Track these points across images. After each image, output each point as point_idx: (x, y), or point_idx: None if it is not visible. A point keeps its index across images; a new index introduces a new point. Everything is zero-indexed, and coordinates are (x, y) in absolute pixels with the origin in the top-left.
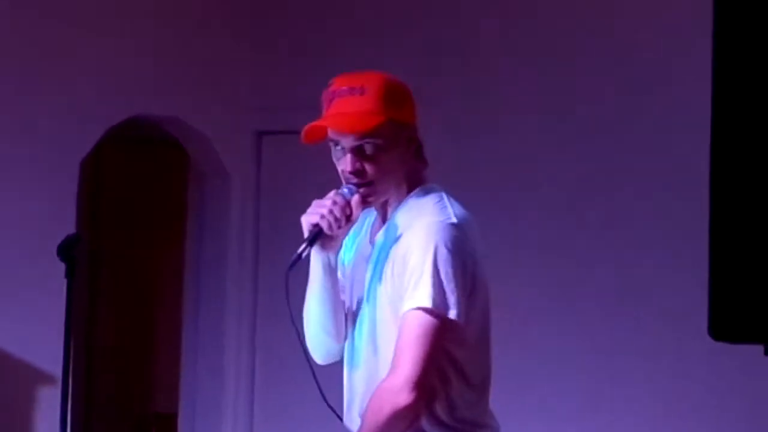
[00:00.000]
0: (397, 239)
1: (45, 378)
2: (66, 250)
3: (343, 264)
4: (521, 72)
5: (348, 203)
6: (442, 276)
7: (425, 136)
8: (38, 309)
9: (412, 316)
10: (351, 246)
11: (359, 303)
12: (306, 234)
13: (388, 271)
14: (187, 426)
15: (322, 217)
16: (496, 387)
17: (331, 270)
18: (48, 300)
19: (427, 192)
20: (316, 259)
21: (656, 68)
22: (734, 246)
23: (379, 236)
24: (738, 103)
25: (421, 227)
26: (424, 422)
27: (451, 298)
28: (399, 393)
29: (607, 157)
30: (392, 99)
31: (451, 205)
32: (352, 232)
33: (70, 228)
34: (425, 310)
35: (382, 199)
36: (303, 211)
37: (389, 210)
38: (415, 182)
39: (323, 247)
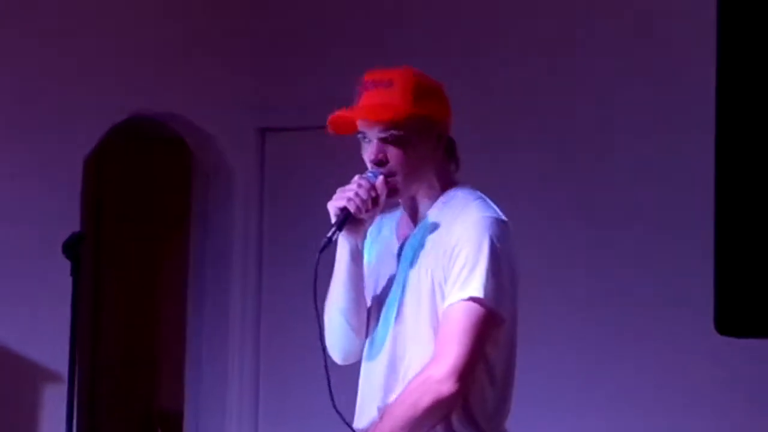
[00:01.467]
0: (439, 233)
1: (50, 376)
2: (71, 248)
3: (364, 262)
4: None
5: (373, 186)
6: (495, 270)
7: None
8: (43, 307)
9: (462, 306)
10: (371, 245)
11: (384, 297)
12: (333, 219)
13: (430, 263)
14: (192, 424)
15: (349, 200)
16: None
17: (358, 256)
18: (53, 298)
19: (465, 191)
20: (344, 244)
21: (659, 73)
22: (740, 241)
23: (415, 232)
24: (742, 102)
25: (471, 221)
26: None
27: (501, 294)
28: (444, 382)
29: (613, 152)
30: (421, 94)
31: (493, 204)
32: (370, 231)
33: (74, 226)
34: (477, 300)
35: (408, 193)
36: (307, 207)
37: (420, 207)
38: (447, 181)
39: (351, 231)
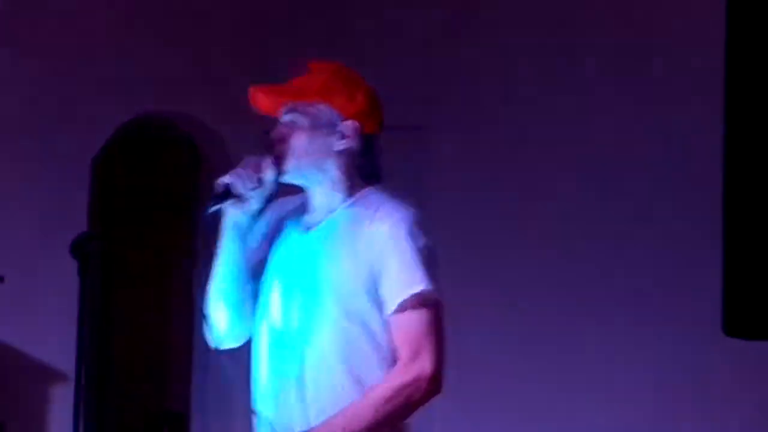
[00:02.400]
0: (356, 230)
1: (58, 376)
2: (78, 248)
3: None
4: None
5: (259, 165)
6: (430, 264)
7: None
8: (51, 307)
9: (418, 303)
10: (264, 231)
11: (289, 284)
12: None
13: (351, 258)
14: (200, 424)
15: (234, 176)
16: (511, 384)
17: (242, 236)
18: (61, 298)
19: (379, 193)
20: (229, 220)
21: (667, 79)
22: (748, 244)
23: (323, 224)
24: (751, 105)
25: (396, 217)
26: None
27: (437, 286)
28: (433, 382)
29: (620, 155)
30: (332, 86)
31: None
32: (264, 219)
33: (82, 226)
34: (429, 295)
35: (300, 179)
36: None
37: (327, 199)
38: (357, 181)
39: (234, 207)
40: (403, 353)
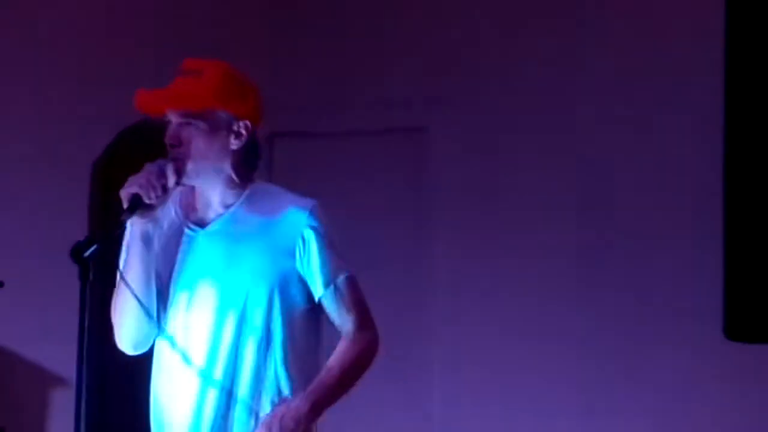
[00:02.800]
0: (262, 222)
1: (59, 381)
2: (78, 253)
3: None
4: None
5: (163, 172)
6: (337, 245)
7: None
8: (51, 311)
9: (346, 281)
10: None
11: (192, 280)
12: (125, 205)
13: (266, 250)
14: None
15: (141, 186)
16: (516, 383)
17: (149, 240)
18: (61, 302)
19: (268, 185)
20: (135, 229)
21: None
22: (749, 247)
23: (221, 220)
24: (751, 108)
25: (304, 208)
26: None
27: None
28: (377, 345)
29: (622, 158)
30: (226, 90)
31: None
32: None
33: (83, 230)
34: (351, 275)
35: (198, 180)
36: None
37: (220, 196)
38: (246, 177)
39: (142, 216)
40: (353, 323)
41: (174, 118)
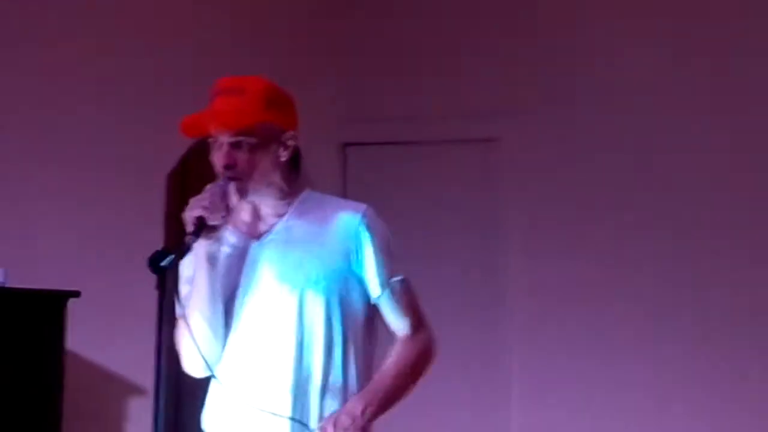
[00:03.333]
0: (318, 227)
1: (137, 390)
2: (156, 263)
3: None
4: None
5: (225, 193)
6: (391, 249)
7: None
8: (130, 322)
9: (401, 284)
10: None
11: (244, 294)
12: (190, 229)
13: (318, 254)
14: None
15: (205, 208)
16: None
17: (215, 261)
18: (138, 312)
19: (317, 193)
20: (200, 251)
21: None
22: None
23: (277, 230)
24: None
25: (357, 212)
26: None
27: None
28: (434, 347)
29: (693, 170)
30: (271, 103)
31: None
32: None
33: (159, 240)
34: (405, 278)
35: (256, 195)
36: (388, 222)
37: (271, 208)
38: (294, 185)
39: (207, 237)
40: (409, 325)
41: (224, 138)
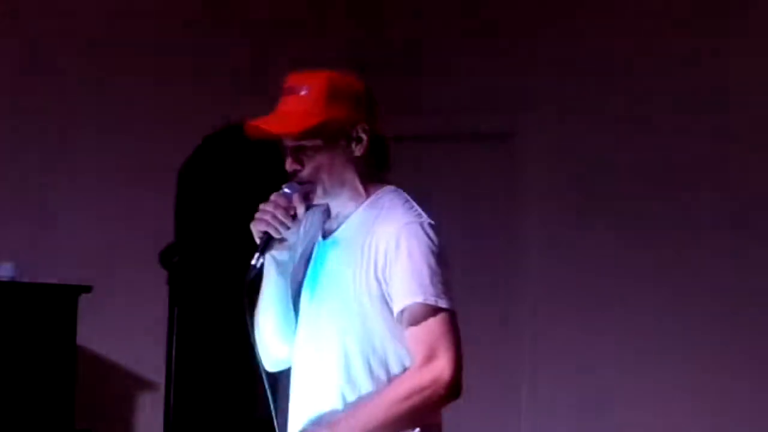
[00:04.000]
0: (363, 235)
1: (148, 385)
2: (167, 258)
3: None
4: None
5: (290, 203)
6: (443, 272)
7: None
8: (140, 316)
9: (421, 308)
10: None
11: (311, 297)
12: (258, 242)
13: (354, 260)
14: None
15: (268, 224)
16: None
17: (284, 271)
18: (150, 307)
19: (391, 193)
20: (270, 263)
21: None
22: None
23: (337, 233)
24: None
25: (402, 221)
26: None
27: (447, 290)
28: (452, 389)
29: (711, 166)
30: (333, 98)
31: (419, 208)
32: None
33: (169, 236)
34: (433, 304)
35: (329, 199)
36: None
37: (344, 208)
38: (372, 182)
39: (275, 249)
40: (418, 356)
41: (288, 142)
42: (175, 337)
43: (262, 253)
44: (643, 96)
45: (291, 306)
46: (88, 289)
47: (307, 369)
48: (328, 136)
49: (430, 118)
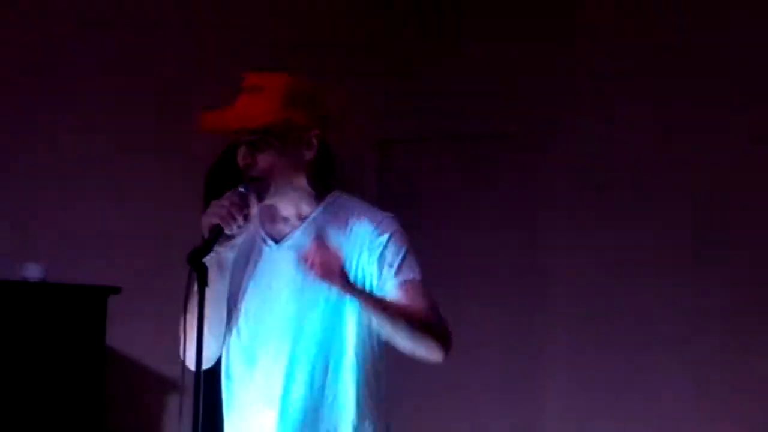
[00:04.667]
0: (336, 230)
1: (174, 386)
2: (196, 258)
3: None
4: None
5: (245, 201)
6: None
7: None
8: (169, 318)
9: (417, 285)
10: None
11: (270, 298)
12: (205, 235)
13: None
14: None
15: (222, 217)
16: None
17: (225, 271)
18: (179, 308)
19: (346, 194)
20: (214, 257)
21: None
22: None
23: (298, 232)
24: None
25: (384, 216)
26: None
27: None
28: (448, 341)
29: (739, 177)
30: (293, 100)
31: None
32: None
33: (198, 237)
34: (421, 281)
35: (280, 197)
36: (425, 219)
37: (296, 208)
38: (322, 185)
39: (222, 246)
40: (424, 306)
41: (244, 137)
42: (203, 338)
43: (209, 245)
44: (668, 98)
45: (224, 306)
46: (117, 290)
47: (270, 368)
48: (281, 136)
49: (455, 119)
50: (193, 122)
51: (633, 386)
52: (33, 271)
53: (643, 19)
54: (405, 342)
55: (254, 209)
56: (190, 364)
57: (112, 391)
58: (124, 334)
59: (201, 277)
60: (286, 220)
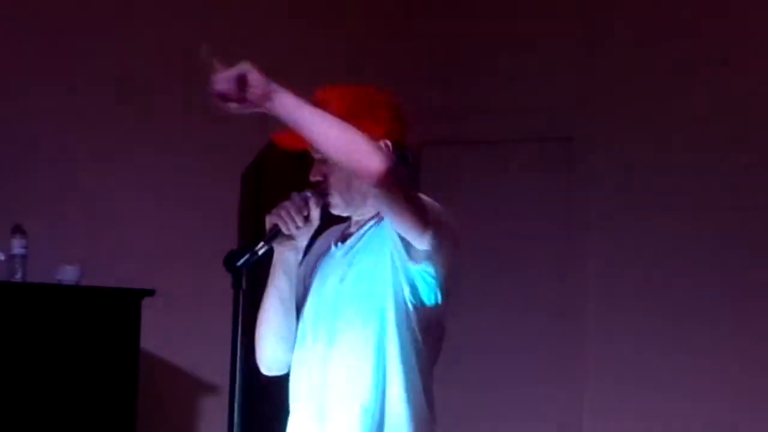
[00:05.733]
0: (382, 236)
1: (211, 390)
2: (232, 261)
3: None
4: None
5: (306, 203)
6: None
7: None
8: (205, 321)
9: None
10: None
11: (322, 304)
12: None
13: (375, 264)
14: None
15: (280, 217)
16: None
17: (289, 272)
18: (214, 312)
19: None
20: (277, 256)
21: None
22: None
23: (355, 236)
24: None
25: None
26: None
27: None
28: (385, 175)
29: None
30: (356, 114)
31: None
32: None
33: (234, 239)
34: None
35: (348, 209)
36: (462, 219)
37: (359, 218)
38: None
39: (282, 246)
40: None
41: (314, 154)
42: (239, 342)
43: (266, 243)
44: (703, 100)
45: (293, 309)
46: (151, 292)
47: (334, 375)
48: None
49: (491, 122)
50: (230, 123)
51: (672, 384)
52: (67, 274)
53: (678, 20)
54: (336, 153)
55: (315, 213)
56: (263, 368)
57: (146, 394)
58: (158, 337)
59: (237, 281)
60: (352, 226)
